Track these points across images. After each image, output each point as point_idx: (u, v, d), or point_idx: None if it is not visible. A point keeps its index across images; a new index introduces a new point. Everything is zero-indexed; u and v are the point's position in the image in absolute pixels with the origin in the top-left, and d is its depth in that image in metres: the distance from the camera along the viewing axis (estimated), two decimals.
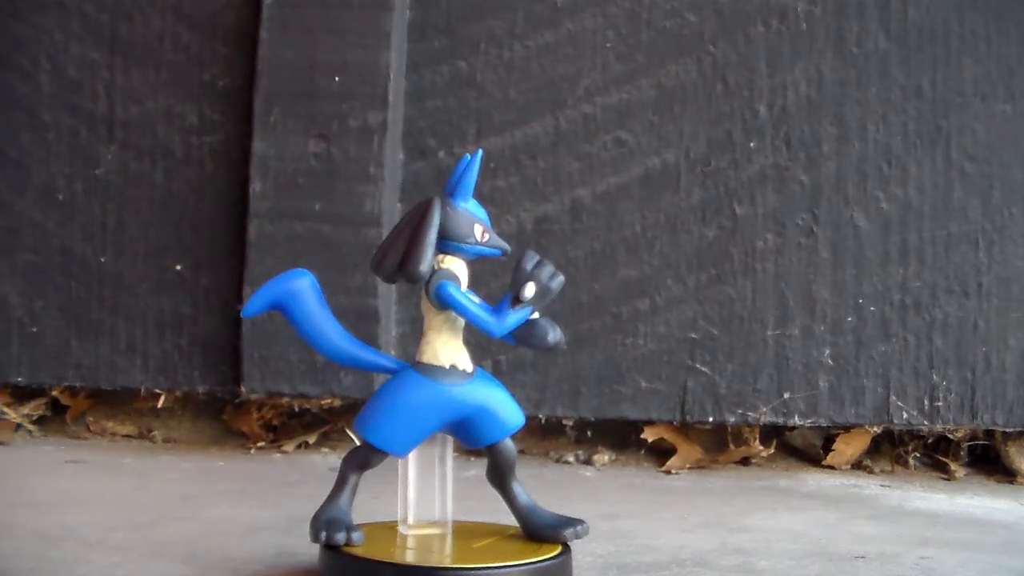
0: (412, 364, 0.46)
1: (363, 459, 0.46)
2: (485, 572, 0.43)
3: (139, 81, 0.82)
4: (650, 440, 0.82)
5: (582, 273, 0.80)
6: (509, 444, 0.47)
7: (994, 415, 0.79)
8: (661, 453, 0.83)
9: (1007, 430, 0.80)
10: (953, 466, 0.82)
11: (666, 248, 0.80)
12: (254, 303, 0.46)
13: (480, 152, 0.46)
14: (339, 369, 0.76)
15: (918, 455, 0.84)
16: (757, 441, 0.82)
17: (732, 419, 0.80)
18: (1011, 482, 0.80)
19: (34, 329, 0.82)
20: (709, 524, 0.62)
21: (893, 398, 0.79)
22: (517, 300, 0.44)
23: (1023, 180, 0.80)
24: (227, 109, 0.82)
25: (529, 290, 0.44)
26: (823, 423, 0.80)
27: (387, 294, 0.79)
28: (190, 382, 0.81)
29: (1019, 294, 0.79)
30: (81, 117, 0.83)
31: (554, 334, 0.45)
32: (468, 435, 0.46)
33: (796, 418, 0.79)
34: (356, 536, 0.44)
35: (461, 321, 0.46)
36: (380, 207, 0.78)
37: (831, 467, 0.82)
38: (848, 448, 0.82)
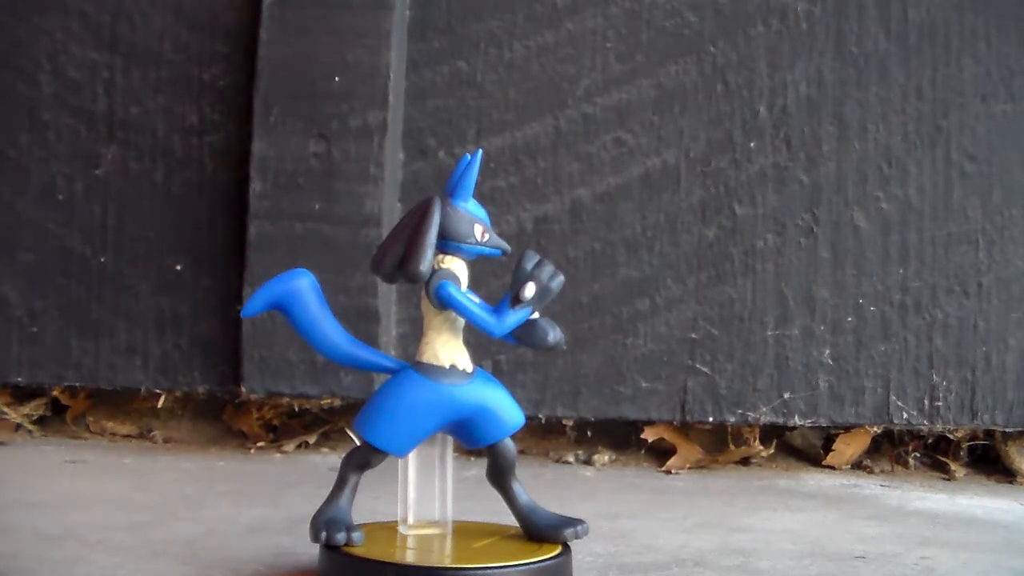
0: (412, 364, 0.46)
1: (363, 459, 0.46)
2: (485, 572, 0.43)
3: (139, 81, 0.82)
4: (650, 440, 0.82)
5: (582, 273, 0.80)
6: (509, 444, 0.47)
7: (994, 415, 0.79)
8: (661, 453, 0.83)
9: (1007, 430, 0.80)
10: (953, 466, 0.82)
11: (666, 248, 0.80)
12: (254, 303, 0.46)
13: (480, 152, 0.46)
14: (339, 369, 0.76)
15: (918, 455, 0.84)
16: (757, 441, 0.82)
17: (732, 419, 0.80)
18: (1011, 482, 0.80)
19: (34, 329, 0.82)
20: (709, 524, 0.62)
21: (893, 398, 0.79)
22: (517, 300, 0.44)
23: (1023, 180, 0.80)
24: (227, 109, 0.82)
25: (529, 290, 0.44)
26: (823, 423, 0.80)
27: (387, 294, 0.79)
28: (190, 382, 0.81)
29: (1019, 294, 0.79)
30: (81, 117, 0.83)
31: (554, 334, 0.45)
32: (468, 435, 0.46)
33: (796, 418, 0.79)
34: (356, 536, 0.44)
35: (461, 321, 0.46)
36: (380, 207, 0.78)
37: (831, 467, 0.82)
38: (848, 448, 0.82)
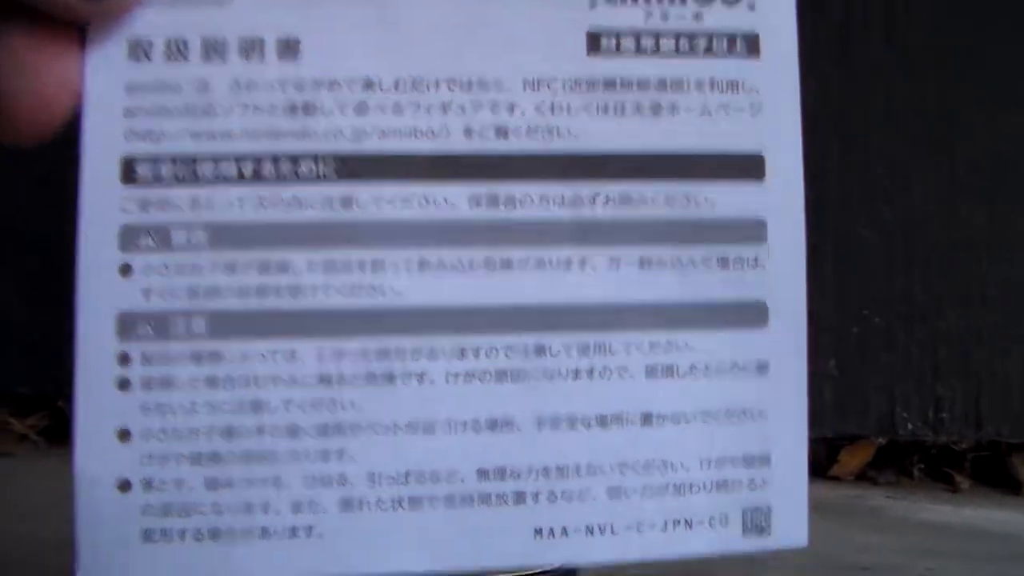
0: None
1: None
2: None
3: None
4: None
5: None
6: None
7: (999, 426, 0.79)
8: None
9: (1012, 441, 0.80)
10: (958, 477, 0.81)
11: None
12: None
13: None
14: None
15: (923, 466, 0.84)
16: None
17: None
18: (1016, 493, 0.80)
19: (38, 339, 0.82)
20: None
21: (898, 409, 0.79)
22: None
23: None
24: None
25: None
26: (827, 434, 0.80)
27: None
28: None
29: None
30: None
31: None
32: None
33: None
34: None
35: None
36: None
37: (836, 478, 0.82)
38: (853, 459, 0.82)
